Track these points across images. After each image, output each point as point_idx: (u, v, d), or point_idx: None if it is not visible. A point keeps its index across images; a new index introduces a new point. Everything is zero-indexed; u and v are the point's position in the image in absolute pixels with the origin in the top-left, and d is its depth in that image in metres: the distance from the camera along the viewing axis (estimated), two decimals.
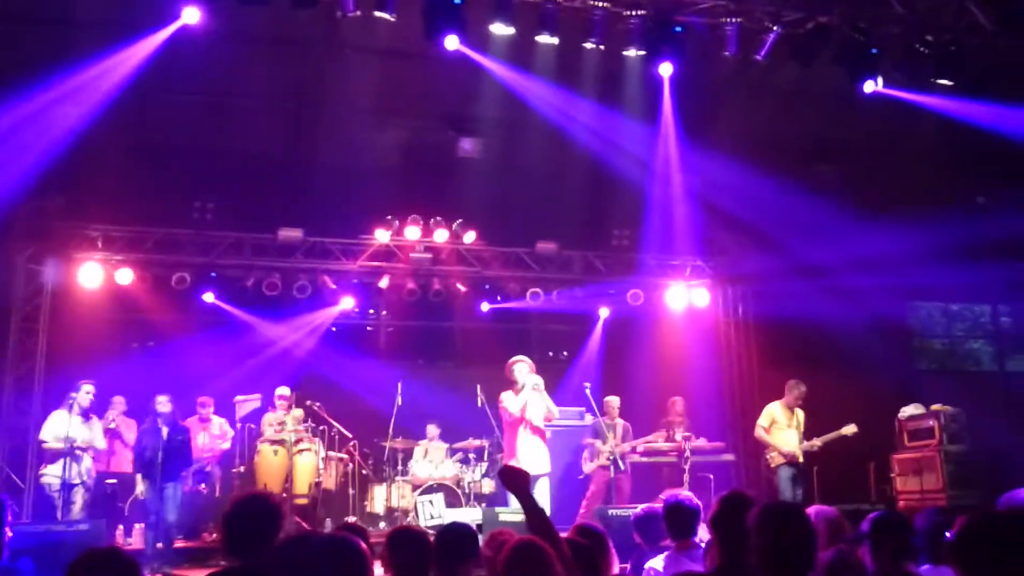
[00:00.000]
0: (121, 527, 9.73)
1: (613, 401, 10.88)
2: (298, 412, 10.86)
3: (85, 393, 8.88)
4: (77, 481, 8.73)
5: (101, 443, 9.35)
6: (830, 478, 10.22)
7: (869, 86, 9.93)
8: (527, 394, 9.19)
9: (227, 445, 10.61)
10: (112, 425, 9.73)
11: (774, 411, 10.08)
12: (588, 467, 10.64)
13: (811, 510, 4.15)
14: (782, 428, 9.98)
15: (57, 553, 6.58)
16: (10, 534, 3.59)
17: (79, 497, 8.71)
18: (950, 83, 10.00)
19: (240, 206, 11.45)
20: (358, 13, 8.85)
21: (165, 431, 8.71)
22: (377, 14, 8.82)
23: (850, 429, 9.91)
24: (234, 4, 8.91)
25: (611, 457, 10.00)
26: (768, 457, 10.07)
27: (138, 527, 9.54)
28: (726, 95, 11.78)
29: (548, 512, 8.68)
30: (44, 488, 8.62)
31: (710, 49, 9.75)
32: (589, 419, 10.82)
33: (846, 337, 11.36)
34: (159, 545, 8.54)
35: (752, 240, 12.38)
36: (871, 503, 10.33)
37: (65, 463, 8.61)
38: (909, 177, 12.27)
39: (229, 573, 3.50)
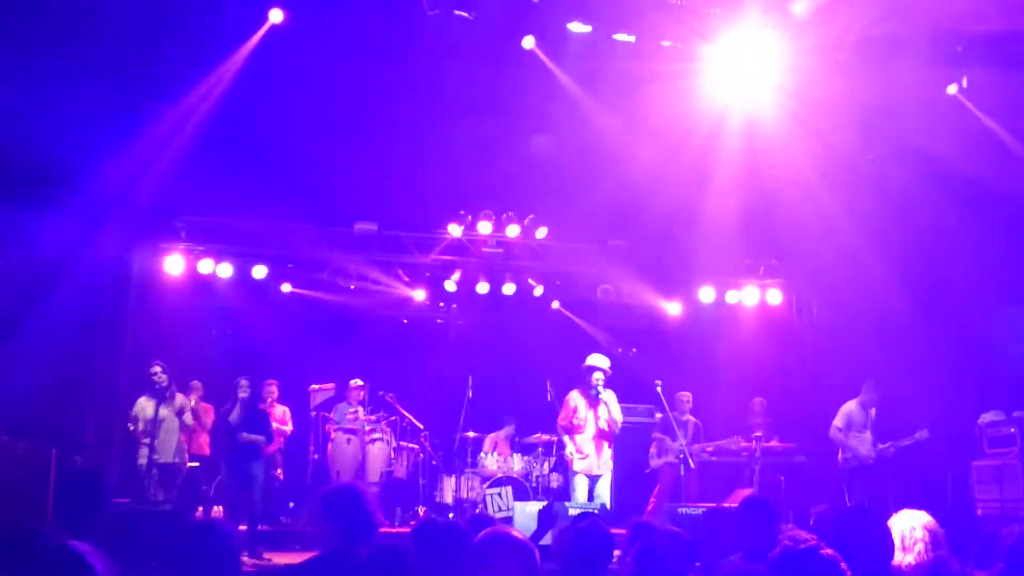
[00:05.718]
0: (200, 508, 10.06)
1: (684, 396, 10.74)
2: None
3: (154, 374, 9.13)
4: (164, 461, 9.01)
5: (187, 420, 9.37)
6: (906, 483, 10.02)
7: (952, 88, 9.68)
8: (597, 407, 9.54)
9: (288, 428, 10.73)
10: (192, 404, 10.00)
11: (851, 411, 9.93)
12: (655, 462, 10.50)
13: (909, 516, 4.08)
14: (858, 429, 9.83)
15: (140, 532, 6.79)
16: None
17: (167, 478, 9.00)
18: None
19: (317, 200, 11.69)
20: (437, 11, 8.96)
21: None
22: (457, 12, 8.93)
23: (922, 434, 9.75)
24: (314, 2, 9.08)
25: (680, 455, 9.98)
26: (842, 459, 9.94)
27: (217, 509, 9.85)
28: None
29: (608, 507, 8.94)
30: (137, 469, 8.92)
31: None
32: (659, 416, 10.80)
33: (925, 340, 11.10)
34: (242, 527, 8.77)
35: (827, 239, 12.15)
36: (948, 510, 10.08)
37: (151, 444, 8.89)
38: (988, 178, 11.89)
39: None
